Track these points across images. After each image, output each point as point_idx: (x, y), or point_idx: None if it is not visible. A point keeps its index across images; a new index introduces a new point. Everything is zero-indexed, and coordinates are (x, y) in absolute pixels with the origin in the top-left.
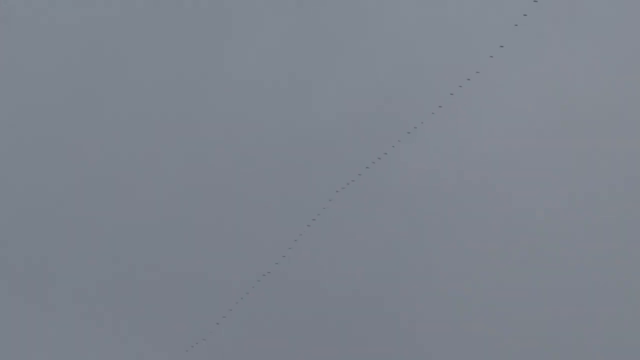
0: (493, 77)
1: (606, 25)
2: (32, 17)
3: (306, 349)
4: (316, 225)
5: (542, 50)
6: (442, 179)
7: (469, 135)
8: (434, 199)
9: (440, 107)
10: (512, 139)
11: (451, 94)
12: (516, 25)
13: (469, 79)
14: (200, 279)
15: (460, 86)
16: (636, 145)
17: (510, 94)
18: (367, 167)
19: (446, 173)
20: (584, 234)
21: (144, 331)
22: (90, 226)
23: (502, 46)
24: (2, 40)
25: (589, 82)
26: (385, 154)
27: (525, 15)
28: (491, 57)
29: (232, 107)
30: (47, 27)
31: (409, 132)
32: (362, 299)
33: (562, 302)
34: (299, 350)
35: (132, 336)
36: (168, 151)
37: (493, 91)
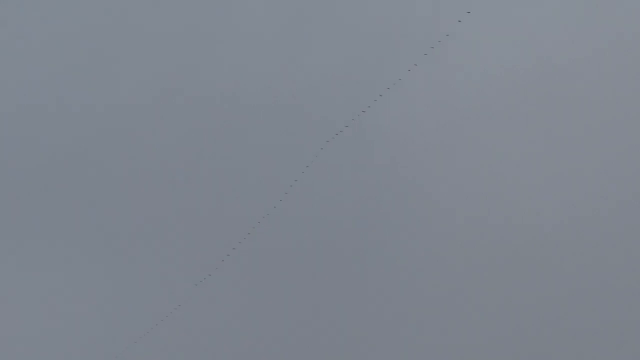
0: (464, 38)
1: None
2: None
3: (308, 286)
4: (310, 173)
5: (511, 12)
6: (422, 131)
7: (446, 90)
8: (416, 150)
9: (415, 65)
10: (487, 91)
11: (425, 54)
12: None
13: (440, 42)
14: (207, 216)
15: (433, 48)
16: (609, 91)
17: (482, 52)
18: (353, 120)
19: (426, 124)
20: (568, 179)
21: (152, 268)
22: (102, 163)
23: (468, 12)
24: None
25: (559, 41)
26: (369, 107)
27: None
28: (460, 21)
29: (229, 65)
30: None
31: (388, 88)
32: (353, 243)
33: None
34: (302, 285)
35: (140, 273)
36: (172, 93)
37: (466, 50)
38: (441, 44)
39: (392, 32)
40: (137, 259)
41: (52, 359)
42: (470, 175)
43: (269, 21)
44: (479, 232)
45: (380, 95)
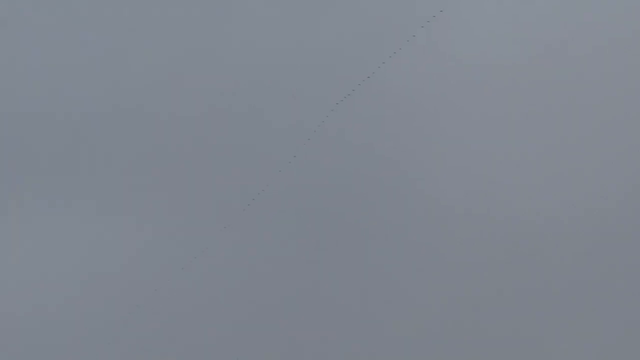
0: (457, 13)
1: None
2: None
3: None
4: (322, 131)
5: None
6: (426, 93)
7: (448, 54)
8: (421, 111)
9: (413, 36)
10: (485, 56)
11: (423, 25)
12: None
13: (434, 16)
14: (241, 152)
15: (428, 21)
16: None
17: (478, 24)
18: (358, 84)
19: (431, 85)
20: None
21: (183, 204)
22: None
23: None
24: None
25: (558, 15)
26: (374, 73)
27: None
28: None
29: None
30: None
31: (390, 56)
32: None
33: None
34: (324, 232)
35: (172, 210)
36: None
37: (461, 23)
38: (437, 18)
39: (385, 8)
40: (166, 194)
41: (78, 302)
42: (471, 156)
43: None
44: (480, 225)
45: (384, 63)
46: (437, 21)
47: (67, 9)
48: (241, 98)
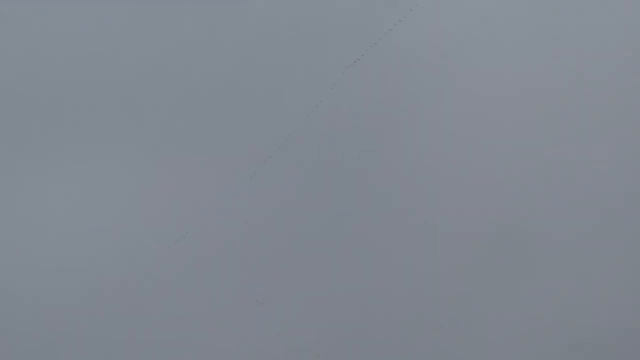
0: None
1: None
2: None
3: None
4: (338, 88)
5: None
6: (442, 54)
7: (456, 13)
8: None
9: (411, 10)
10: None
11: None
12: None
13: None
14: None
15: None
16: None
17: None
18: (375, 43)
19: (448, 44)
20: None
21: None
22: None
23: None
24: None
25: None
26: (384, 35)
27: None
28: None
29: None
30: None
31: (411, 10)
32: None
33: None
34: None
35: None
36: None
37: None
38: None
39: None
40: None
41: (97, 255)
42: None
43: None
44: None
45: (395, 25)
46: None
47: (66, 7)
48: (253, 55)
